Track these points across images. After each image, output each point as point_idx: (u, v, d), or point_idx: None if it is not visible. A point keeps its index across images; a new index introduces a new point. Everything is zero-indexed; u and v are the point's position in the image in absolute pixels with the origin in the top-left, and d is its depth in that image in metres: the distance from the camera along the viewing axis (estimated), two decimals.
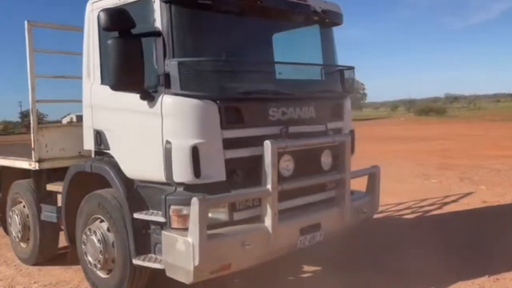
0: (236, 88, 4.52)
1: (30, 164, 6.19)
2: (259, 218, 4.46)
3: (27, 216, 6.60)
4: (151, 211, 4.56)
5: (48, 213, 6.11)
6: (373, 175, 5.71)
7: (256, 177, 4.44)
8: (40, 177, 6.22)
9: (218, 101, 4.28)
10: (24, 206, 6.66)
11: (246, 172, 4.51)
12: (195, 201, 3.92)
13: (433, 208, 9.27)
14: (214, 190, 4.25)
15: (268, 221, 4.38)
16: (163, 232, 4.29)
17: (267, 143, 4.34)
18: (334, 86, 5.61)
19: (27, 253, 6.72)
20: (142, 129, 4.54)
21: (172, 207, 4.27)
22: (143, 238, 4.58)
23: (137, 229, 4.61)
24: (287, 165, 4.66)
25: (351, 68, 5.66)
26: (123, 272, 4.83)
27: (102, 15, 4.18)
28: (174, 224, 4.25)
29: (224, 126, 4.32)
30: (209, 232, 4.10)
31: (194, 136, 4.22)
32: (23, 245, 6.80)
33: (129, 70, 4.18)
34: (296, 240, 4.69)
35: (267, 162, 4.34)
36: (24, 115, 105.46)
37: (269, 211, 4.37)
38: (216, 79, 4.43)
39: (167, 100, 4.27)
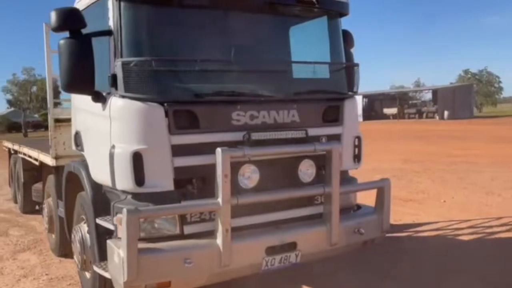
0: (190, 90, 4.12)
1: (50, 160, 6.43)
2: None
3: (52, 209, 6.89)
4: (109, 217, 4.38)
5: (61, 209, 6.28)
6: (381, 190, 4.92)
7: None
8: (58, 173, 6.39)
9: (165, 104, 3.95)
10: (51, 200, 6.95)
11: (204, 182, 4.13)
12: (124, 212, 3.64)
13: (503, 229, 7.88)
14: (166, 200, 3.95)
15: (219, 238, 3.95)
16: (107, 240, 4.09)
17: (218, 151, 3.90)
18: (331, 86, 4.95)
19: (54, 244, 7.03)
20: (98, 132, 4.40)
21: (118, 215, 4.03)
22: (104, 244, 4.42)
23: (100, 234, 4.48)
24: (249, 176, 4.17)
25: (352, 66, 4.97)
26: (94, 277, 4.75)
27: (52, 16, 4.07)
28: (119, 233, 4.02)
29: (172, 131, 3.98)
30: (145, 246, 3.82)
31: (137, 142, 3.94)
32: (52, 236, 7.13)
33: (78, 71, 4.04)
34: (260, 260, 4.17)
35: (218, 172, 3.91)
36: None
37: (220, 227, 3.94)
38: (165, 80, 4.07)
39: (114, 103, 4.05)
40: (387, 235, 5.33)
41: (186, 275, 3.91)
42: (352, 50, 5.52)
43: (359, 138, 5.01)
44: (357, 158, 5.02)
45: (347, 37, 5.32)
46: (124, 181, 3.95)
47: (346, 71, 5.03)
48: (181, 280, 3.95)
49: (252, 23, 4.65)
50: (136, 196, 4.04)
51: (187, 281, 4.01)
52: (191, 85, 4.17)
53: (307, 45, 5.08)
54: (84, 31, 4.16)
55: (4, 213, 10.36)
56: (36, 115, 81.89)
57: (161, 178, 3.99)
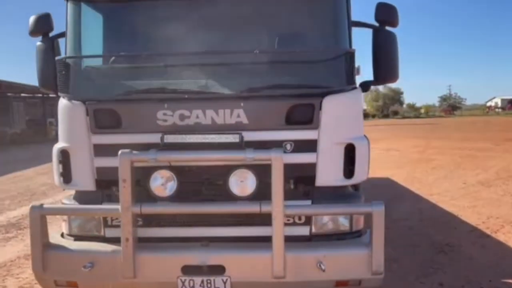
0: (113, 88, 3.91)
1: None
2: None
3: None
4: None
5: None
6: (370, 217, 3.68)
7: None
8: None
9: (86, 103, 3.87)
10: None
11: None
12: (30, 207, 3.78)
13: None
14: (90, 200, 3.95)
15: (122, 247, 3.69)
16: None
17: (119, 154, 3.62)
18: (306, 78, 3.90)
19: None
20: None
21: None
22: None
23: None
24: (163, 183, 3.70)
25: (341, 53, 3.80)
26: None
27: (29, 21, 4.42)
28: None
29: (93, 130, 3.88)
30: (56, 242, 3.89)
31: (64, 140, 4.02)
32: None
33: (45, 71, 4.29)
34: (173, 279, 3.69)
35: (119, 176, 3.63)
36: (443, 98, 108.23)
37: (122, 235, 3.67)
38: (88, 78, 3.99)
39: (59, 102, 4.17)
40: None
41: (88, 279, 3.78)
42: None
43: (353, 145, 3.85)
44: (349, 171, 3.87)
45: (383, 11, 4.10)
46: (56, 178, 4.06)
47: (338, 59, 3.90)
48: (86, 283, 3.85)
49: (195, 6, 4.06)
50: (76, 193, 4.12)
51: (92, 286, 3.88)
52: (116, 82, 3.99)
53: (281, 24, 4.11)
54: None
55: None
56: None
57: (83, 178, 3.96)
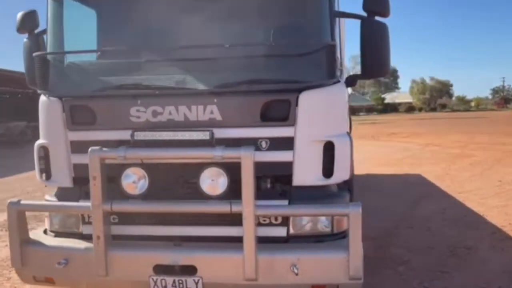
0: (88, 84, 3.87)
1: None
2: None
3: None
4: None
5: None
6: (347, 219, 3.48)
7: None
8: None
9: (63, 99, 3.85)
10: None
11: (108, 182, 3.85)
12: (8, 203, 3.81)
13: None
14: (68, 197, 3.94)
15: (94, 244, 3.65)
16: None
17: (88, 151, 3.58)
18: (281, 73, 3.72)
19: None
20: None
21: None
22: None
23: None
24: (134, 181, 3.63)
25: (320, 46, 3.61)
26: None
27: (17, 18, 4.45)
28: None
29: (70, 127, 3.86)
30: (35, 238, 3.90)
31: (43, 136, 4.02)
32: None
33: (29, 69, 4.30)
34: (145, 278, 3.62)
35: (89, 174, 3.59)
36: (496, 91, 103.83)
37: (93, 233, 3.63)
38: (64, 74, 3.96)
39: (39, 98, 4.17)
40: None
41: (63, 276, 3.78)
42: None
43: (332, 143, 3.65)
44: (330, 170, 3.68)
45: None
46: (37, 174, 4.07)
47: (317, 52, 3.71)
48: (62, 280, 3.85)
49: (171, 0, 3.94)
50: (57, 189, 4.13)
51: (69, 282, 3.88)
52: (91, 79, 3.94)
53: (257, 16, 3.92)
54: None
55: None
56: (368, 98, 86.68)
57: (61, 174, 3.96)
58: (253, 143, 3.60)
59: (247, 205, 3.43)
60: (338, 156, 3.67)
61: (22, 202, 3.81)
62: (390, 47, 3.91)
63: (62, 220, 4.00)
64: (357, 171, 13.82)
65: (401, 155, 18.01)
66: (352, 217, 3.42)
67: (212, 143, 3.53)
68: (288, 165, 3.68)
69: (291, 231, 3.74)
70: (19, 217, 3.79)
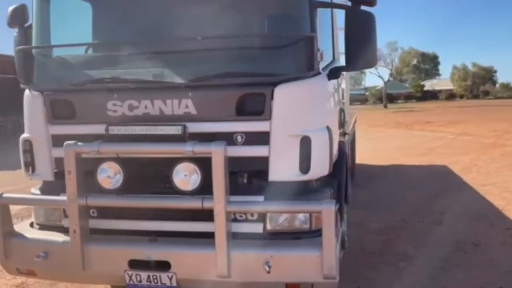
0: (68, 78, 3.87)
1: None
2: None
3: None
4: None
5: None
6: (319, 216, 3.38)
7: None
8: None
9: (44, 92, 3.88)
10: None
11: (86, 176, 3.87)
12: None
13: None
14: (51, 191, 3.98)
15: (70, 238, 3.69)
16: None
17: (64, 145, 3.60)
18: (258, 66, 3.63)
19: None
20: None
21: None
22: None
23: None
24: (109, 175, 3.63)
25: (297, 38, 3.51)
26: None
27: (7, 12, 4.50)
28: None
29: (50, 121, 3.89)
30: (18, 231, 3.97)
31: (27, 130, 4.06)
32: None
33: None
34: (121, 272, 3.63)
35: (65, 168, 3.62)
36: None
37: (69, 226, 3.67)
38: (45, 68, 3.99)
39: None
40: None
41: (44, 269, 3.84)
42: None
43: (308, 138, 3.54)
44: (306, 166, 3.58)
45: None
46: (23, 167, 4.13)
47: (294, 44, 3.59)
48: (42, 272, 3.92)
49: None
50: (42, 183, 4.19)
51: (49, 275, 3.94)
52: (71, 72, 3.94)
53: (233, 7, 3.81)
54: None
55: None
56: (408, 85, 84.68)
57: (44, 168, 3.99)
58: (229, 138, 3.54)
59: (218, 201, 3.38)
60: (315, 151, 3.56)
61: (4, 195, 3.88)
62: (377, 37, 3.76)
63: (46, 213, 4.05)
64: (382, 162, 13.68)
65: (432, 145, 17.51)
66: (325, 215, 3.31)
67: (184, 137, 3.48)
68: (264, 160, 3.59)
69: (268, 227, 3.67)
70: (2, 210, 3.86)
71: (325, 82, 3.82)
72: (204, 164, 3.43)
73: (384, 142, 19.17)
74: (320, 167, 3.63)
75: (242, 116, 3.56)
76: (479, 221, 7.18)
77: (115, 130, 3.59)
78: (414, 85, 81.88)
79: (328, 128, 3.68)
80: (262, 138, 3.56)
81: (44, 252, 3.75)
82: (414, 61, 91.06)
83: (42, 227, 4.08)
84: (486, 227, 6.84)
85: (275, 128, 3.53)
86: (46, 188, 4.05)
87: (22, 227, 4.12)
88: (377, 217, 7.58)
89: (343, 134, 6.35)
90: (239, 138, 3.58)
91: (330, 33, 5.18)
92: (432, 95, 78.10)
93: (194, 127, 3.55)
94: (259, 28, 3.82)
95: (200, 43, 3.59)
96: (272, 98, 3.50)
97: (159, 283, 3.61)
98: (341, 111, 4.83)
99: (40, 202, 4.00)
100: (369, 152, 15.72)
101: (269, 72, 3.59)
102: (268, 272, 3.36)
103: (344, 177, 4.52)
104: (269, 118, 3.53)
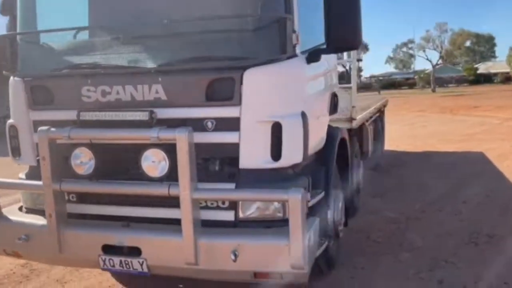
0: (47, 63, 3.94)
1: None
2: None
3: None
4: None
5: None
6: (287, 205, 3.25)
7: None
8: None
9: (25, 79, 3.93)
10: None
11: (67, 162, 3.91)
12: None
13: None
14: (35, 176, 4.03)
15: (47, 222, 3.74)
16: None
17: (37, 131, 3.64)
18: (228, 49, 3.51)
19: None
20: None
21: None
22: None
23: None
24: (81, 160, 3.64)
25: (269, 20, 3.39)
26: None
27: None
28: None
29: (31, 106, 3.94)
30: (4, 214, 4.07)
31: (12, 115, 4.14)
32: None
33: None
34: (95, 257, 3.65)
35: (39, 154, 3.66)
36: None
37: (46, 211, 3.72)
38: (26, 54, 4.01)
39: None
40: None
41: (26, 251, 3.93)
42: None
43: (279, 124, 3.41)
44: (276, 152, 3.46)
45: None
46: (10, 153, 4.22)
47: (266, 26, 3.45)
48: (26, 254, 4.01)
49: None
50: (28, 168, 4.27)
51: (32, 257, 4.03)
52: (50, 59, 3.99)
53: None
54: None
55: None
56: (460, 68, 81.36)
57: (27, 153, 4.06)
58: (199, 124, 3.48)
59: (184, 188, 3.32)
60: (286, 137, 3.43)
61: None
62: (360, 15, 3.57)
63: (31, 198, 4.13)
64: (416, 148, 13.22)
65: (474, 131, 16.79)
66: (291, 203, 3.18)
67: (151, 123, 3.43)
68: (235, 147, 3.50)
69: (241, 215, 3.59)
70: None
71: (302, 65, 3.66)
72: (172, 150, 3.37)
73: (422, 127, 18.58)
74: (292, 154, 3.50)
75: (212, 101, 3.47)
76: (502, 212, 6.78)
77: (86, 115, 3.59)
78: (467, 68, 78.64)
79: (303, 114, 3.53)
80: (233, 124, 3.46)
81: (26, 235, 3.82)
82: (467, 43, 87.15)
83: (29, 211, 4.16)
84: (507, 218, 6.46)
85: (245, 113, 3.43)
86: (32, 173, 4.12)
87: (10, 210, 4.22)
88: (395, 206, 7.32)
89: (350, 119, 6.17)
90: (209, 124, 3.50)
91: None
92: (487, 79, 74.78)
93: (164, 113, 3.50)
94: (231, 10, 3.68)
95: (172, 27, 3.53)
96: (241, 83, 3.39)
97: (131, 268, 3.61)
98: (334, 95, 4.62)
99: (17, 186, 4.09)
100: (404, 138, 15.31)
101: (240, 55, 3.48)
102: (234, 260, 3.28)
103: (332, 163, 4.35)
104: (238, 103, 3.42)
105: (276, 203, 3.54)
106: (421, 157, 11.97)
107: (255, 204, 3.56)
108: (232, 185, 3.55)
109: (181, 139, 3.27)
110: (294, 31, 3.53)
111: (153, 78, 3.52)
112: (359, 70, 75.70)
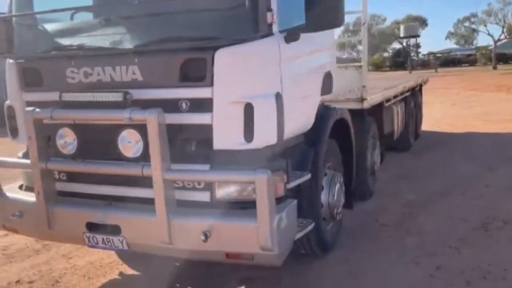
0: (39, 46, 4.05)
1: None
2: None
3: None
4: None
5: None
6: (254, 187, 3.24)
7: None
8: None
9: (18, 60, 4.08)
10: None
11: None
12: None
13: None
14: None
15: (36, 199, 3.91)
16: None
17: (24, 112, 3.79)
18: (205, 30, 3.48)
19: None
20: None
21: None
22: None
23: None
24: (65, 140, 3.76)
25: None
26: None
27: None
28: None
29: (23, 88, 4.10)
30: (5, 191, 4.27)
31: (8, 96, 4.30)
32: None
33: None
34: (80, 234, 3.78)
35: (26, 134, 3.81)
36: None
37: (34, 189, 3.88)
38: (24, 37, 4.15)
39: None
40: None
41: (21, 226, 4.12)
42: None
43: (251, 105, 3.37)
44: (249, 133, 3.43)
45: None
46: (8, 132, 4.41)
47: (239, 5, 3.38)
48: (22, 229, 4.20)
49: None
50: (27, 147, 4.44)
51: (27, 232, 4.22)
52: (40, 41, 4.10)
53: None
54: None
55: None
56: None
57: (23, 133, 4.22)
58: (174, 104, 3.50)
59: (155, 168, 3.36)
60: (258, 118, 3.39)
61: None
62: None
63: (27, 176, 4.30)
64: (456, 129, 12.69)
65: None
66: (258, 184, 3.17)
67: (125, 104, 3.48)
68: (209, 128, 3.50)
69: (217, 196, 3.59)
70: None
71: (278, 45, 3.57)
72: (146, 131, 3.41)
73: (469, 107, 17.75)
74: (265, 135, 3.45)
75: (185, 82, 3.47)
76: None
77: (67, 96, 3.69)
78: None
79: (278, 95, 3.46)
80: (206, 105, 3.45)
81: (20, 211, 4.00)
82: None
83: (28, 189, 4.34)
84: None
85: (217, 94, 3.41)
86: (28, 152, 4.30)
87: (11, 188, 4.42)
88: (416, 188, 7.11)
89: (360, 100, 6.00)
90: (183, 105, 3.51)
91: None
92: None
93: (141, 94, 3.54)
94: None
95: (150, 8, 3.56)
96: (213, 63, 3.37)
97: (113, 246, 3.73)
98: (328, 75, 4.49)
99: (7, 165, 4.26)
100: (448, 118, 14.77)
101: (214, 35, 3.45)
102: (205, 241, 3.31)
103: (322, 144, 4.27)
104: (210, 84, 3.40)
105: (252, 185, 3.52)
106: (460, 138, 11.49)
107: (232, 185, 3.56)
108: (206, 167, 3.56)
109: (151, 120, 3.30)
110: (269, 9, 3.45)
111: (130, 59, 3.56)
112: (417, 46, 73.18)
